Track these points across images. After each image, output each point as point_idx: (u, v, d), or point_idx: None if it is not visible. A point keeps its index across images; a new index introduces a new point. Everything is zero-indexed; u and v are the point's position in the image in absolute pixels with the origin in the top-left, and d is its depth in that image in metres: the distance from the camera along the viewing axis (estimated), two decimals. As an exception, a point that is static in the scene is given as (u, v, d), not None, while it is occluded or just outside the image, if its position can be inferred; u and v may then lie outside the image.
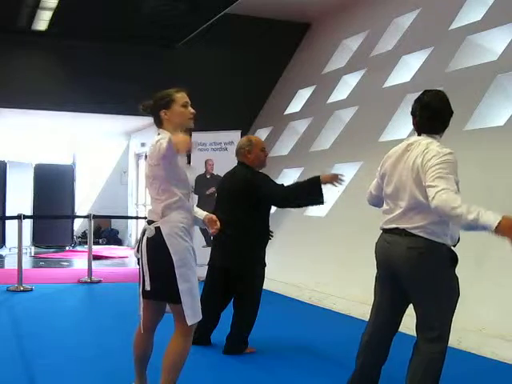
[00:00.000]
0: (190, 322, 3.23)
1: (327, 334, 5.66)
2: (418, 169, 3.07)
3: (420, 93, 3.35)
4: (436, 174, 2.93)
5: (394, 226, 3.18)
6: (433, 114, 3.21)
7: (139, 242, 3.33)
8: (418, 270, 3.09)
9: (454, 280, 3.18)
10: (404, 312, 3.33)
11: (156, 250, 3.24)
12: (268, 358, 4.73)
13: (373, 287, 3.41)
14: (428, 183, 2.95)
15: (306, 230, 8.51)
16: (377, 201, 3.49)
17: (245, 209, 4.73)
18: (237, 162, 4.97)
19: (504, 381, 4.35)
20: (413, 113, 3.32)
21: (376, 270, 3.38)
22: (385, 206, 3.32)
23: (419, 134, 3.26)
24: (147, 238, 3.27)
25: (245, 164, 4.88)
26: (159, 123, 3.42)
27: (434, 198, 2.88)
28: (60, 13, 9.52)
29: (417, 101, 3.29)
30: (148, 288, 3.26)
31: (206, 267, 5.02)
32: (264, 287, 4.96)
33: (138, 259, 3.36)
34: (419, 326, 3.17)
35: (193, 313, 3.25)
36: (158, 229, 3.24)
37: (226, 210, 4.69)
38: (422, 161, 3.06)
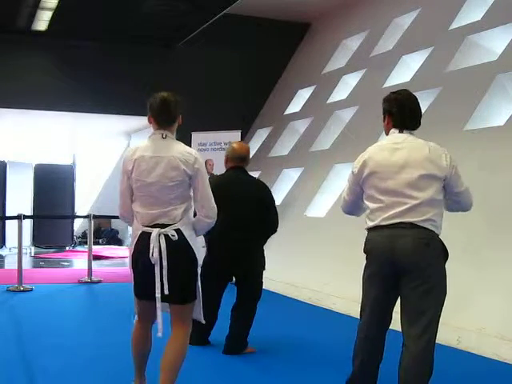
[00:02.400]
0: (203, 320, 3.42)
1: (327, 334, 5.66)
2: (430, 169, 3.19)
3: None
4: (459, 179, 3.29)
5: (397, 220, 3.17)
6: (412, 113, 3.35)
7: (158, 246, 3.22)
8: (421, 259, 3.14)
9: (445, 275, 3.24)
10: (394, 307, 3.35)
11: (181, 252, 3.26)
12: (268, 358, 4.73)
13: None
14: (458, 189, 3.29)
15: (306, 230, 8.51)
16: (354, 207, 3.49)
17: (258, 213, 4.77)
18: (234, 165, 4.89)
19: (504, 381, 4.35)
20: (388, 111, 3.37)
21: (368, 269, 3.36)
22: (378, 204, 3.25)
23: (401, 131, 3.33)
24: (170, 240, 3.23)
25: (244, 170, 4.92)
26: (171, 125, 3.39)
27: (468, 196, 3.34)
28: (60, 13, 9.53)
29: (391, 100, 3.37)
30: (167, 292, 3.22)
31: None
32: (264, 287, 4.97)
33: (142, 264, 3.29)
34: (409, 318, 3.17)
35: (201, 311, 3.41)
36: (178, 231, 3.25)
37: (236, 215, 4.68)
38: (431, 165, 3.19)
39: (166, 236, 3.23)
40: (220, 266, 4.80)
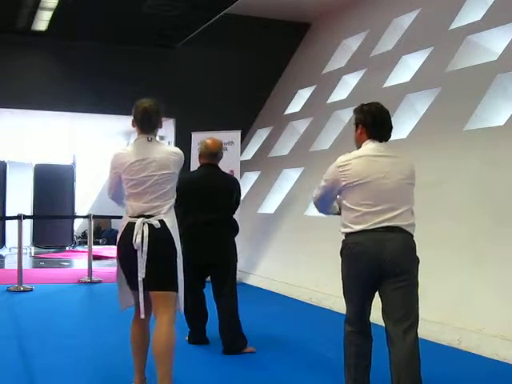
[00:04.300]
0: (182, 310, 3.53)
1: (327, 334, 5.66)
2: (411, 178, 3.38)
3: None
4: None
5: (385, 224, 3.26)
6: (386, 125, 3.44)
7: (141, 233, 3.40)
8: (407, 262, 3.29)
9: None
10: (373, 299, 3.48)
11: (162, 241, 3.44)
12: (268, 358, 4.73)
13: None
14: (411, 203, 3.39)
15: (306, 229, 8.50)
16: (329, 205, 3.60)
17: (230, 207, 4.99)
18: (206, 162, 5.03)
19: (504, 381, 4.35)
20: (362, 122, 3.41)
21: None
22: (368, 209, 3.28)
23: (380, 141, 3.39)
24: (153, 228, 3.41)
25: (217, 166, 5.07)
26: (152, 131, 3.68)
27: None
28: (60, 13, 9.53)
29: (364, 112, 3.42)
30: (143, 276, 3.38)
31: None
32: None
33: (126, 252, 3.44)
34: (395, 317, 3.25)
35: (181, 302, 3.52)
36: (161, 222, 3.45)
37: (211, 209, 4.85)
38: (412, 174, 3.39)
39: (151, 225, 3.42)
40: (197, 259, 4.86)
